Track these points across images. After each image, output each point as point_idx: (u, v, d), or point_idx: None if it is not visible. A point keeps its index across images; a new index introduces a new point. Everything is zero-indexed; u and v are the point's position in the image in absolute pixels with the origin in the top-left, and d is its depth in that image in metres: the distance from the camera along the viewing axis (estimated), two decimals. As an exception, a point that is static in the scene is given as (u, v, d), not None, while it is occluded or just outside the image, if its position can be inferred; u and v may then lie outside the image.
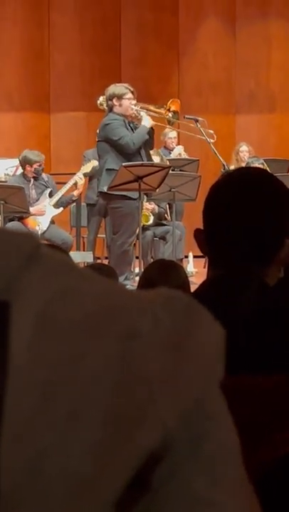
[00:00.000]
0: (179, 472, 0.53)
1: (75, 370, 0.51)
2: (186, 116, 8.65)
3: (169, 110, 8.45)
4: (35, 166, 8.84)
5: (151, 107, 8.28)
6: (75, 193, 8.91)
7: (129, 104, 7.81)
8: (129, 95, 7.83)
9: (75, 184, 8.90)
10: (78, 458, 0.50)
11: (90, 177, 9.25)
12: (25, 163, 8.89)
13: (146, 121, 7.94)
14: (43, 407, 0.50)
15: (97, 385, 0.51)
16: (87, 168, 9.07)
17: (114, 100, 7.80)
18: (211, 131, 8.51)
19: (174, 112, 8.48)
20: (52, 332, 0.52)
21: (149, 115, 8.04)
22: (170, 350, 0.54)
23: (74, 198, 8.97)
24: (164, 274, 3.24)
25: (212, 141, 8.36)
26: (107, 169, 7.70)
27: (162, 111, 8.41)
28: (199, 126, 8.46)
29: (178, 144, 10.10)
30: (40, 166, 8.87)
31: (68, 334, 0.52)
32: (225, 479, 0.54)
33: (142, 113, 7.98)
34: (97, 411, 0.51)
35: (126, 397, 0.52)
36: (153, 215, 9.07)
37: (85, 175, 9.15)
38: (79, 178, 8.87)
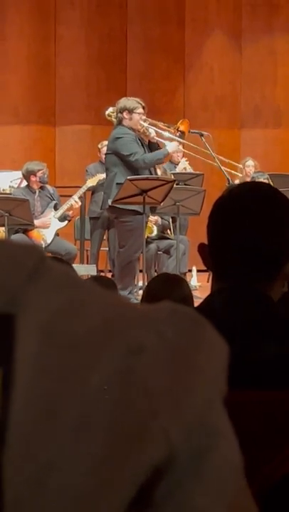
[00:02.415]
0: (181, 488, 0.53)
1: (79, 384, 0.51)
2: (191, 130, 8.66)
3: (178, 130, 8.46)
4: (39, 174, 8.85)
5: (160, 124, 8.29)
6: (70, 213, 8.94)
7: (139, 118, 7.81)
8: (140, 110, 7.84)
9: (72, 205, 8.93)
10: (81, 472, 0.50)
11: (93, 191, 9.26)
12: (28, 174, 8.91)
13: (171, 147, 7.95)
14: (46, 421, 0.50)
15: (101, 399, 0.51)
16: (93, 181, 9.08)
17: (124, 113, 7.80)
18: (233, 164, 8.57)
19: (182, 133, 8.49)
20: (56, 345, 0.52)
21: (157, 132, 8.04)
22: (173, 365, 0.53)
23: (68, 218, 9.01)
24: (168, 288, 3.23)
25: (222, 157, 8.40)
26: (118, 183, 7.69)
27: (171, 130, 8.41)
28: (204, 140, 8.47)
29: (184, 155, 10.11)
30: (43, 173, 8.88)
31: (72, 348, 0.52)
32: (226, 496, 0.54)
33: (169, 139, 8.00)
34: (101, 425, 0.51)
35: (129, 412, 0.51)
36: (156, 227, 9.07)
37: (89, 189, 9.18)
38: (74, 201, 8.90)
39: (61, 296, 0.54)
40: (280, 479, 1.20)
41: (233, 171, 9.20)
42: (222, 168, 8.41)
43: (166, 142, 7.98)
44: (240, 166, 9.94)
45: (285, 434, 1.32)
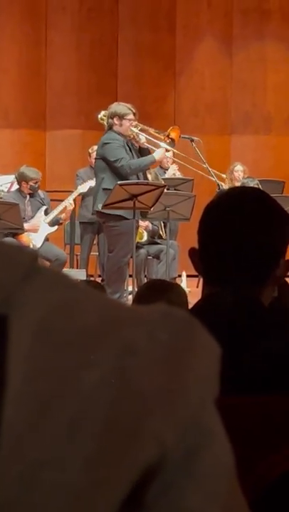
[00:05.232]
0: (173, 488, 0.53)
1: (73, 382, 0.51)
2: (181, 135, 8.67)
3: (168, 137, 8.46)
4: (30, 183, 8.85)
5: (151, 131, 8.29)
6: (62, 216, 8.95)
7: (129, 125, 7.82)
8: (131, 116, 7.84)
9: (65, 207, 8.95)
10: (75, 471, 0.50)
11: (84, 196, 9.27)
12: (21, 179, 8.91)
13: (158, 154, 7.95)
14: (39, 420, 0.50)
15: (94, 398, 0.51)
16: (84, 188, 9.09)
17: (115, 119, 7.80)
18: (224, 176, 8.59)
19: (172, 140, 8.49)
20: (50, 345, 0.52)
21: (147, 138, 8.05)
22: (167, 366, 0.54)
23: (60, 221, 9.02)
24: (158, 294, 3.22)
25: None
26: (104, 188, 7.70)
27: (161, 136, 8.41)
28: (195, 145, 8.48)
29: (173, 162, 10.13)
30: (36, 183, 8.89)
31: (66, 347, 0.52)
32: (219, 495, 0.54)
33: (161, 145, 8.01)
34: (94, 424, 0.51)
35: (123, 412, 0.52)
36: (147, 232, 9.08)
37: (81, 194, 9.20)
38: (69, 203, 8.93)
39: (56, 294, 0.54)
40: (278, 478, 1.20)
41: (221, 174, 9.22)
42: (212, 173, 8.42)
43: (156, 151, 8.00)
44: (224, 175, 9.95)
45: (281, 434, 1.32)
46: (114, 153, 7.69)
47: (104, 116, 8.16)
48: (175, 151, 8.77)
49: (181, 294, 3.44)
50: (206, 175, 8.47)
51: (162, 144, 8.28)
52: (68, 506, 0.50)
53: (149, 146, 8.10)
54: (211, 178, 8.44)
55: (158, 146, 8.24)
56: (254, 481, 1.05)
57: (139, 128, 8.02)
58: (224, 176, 9.73)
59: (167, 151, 8.51)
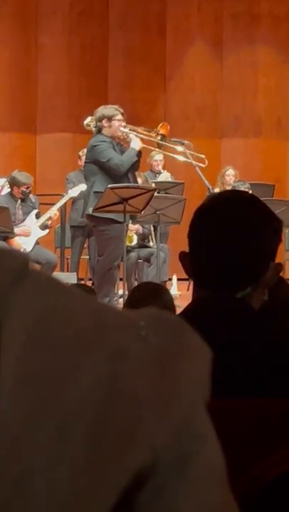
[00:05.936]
0: (166, 491, 0.53)
1: (67, 385, 0.51)
2: (172, 139, 8.67)
3: (158, 134, 8.46)
4: (22, 188, 8.84)
5: (140, 130, 8.29)
6: (49, 223, 8.96)
7: (118, 125, 7.81)
8: (119, 117, 7.83)
9: (50, 217, 8.97)
10: (67, 475, 0.50)
11: (75, 199, 9.27)
12: (13, 184, 8.91)
13: (136, 144, 7.93)
14: (31, 424, 0.51)
15: (86, 403, 0.51)
16: (75, 192, 9.09)
17: (104, 122, 7.79)
18: (202, 156, 8.56)
19: (163, 136, 8.50)
20: (42, 347, 0.52)
21: (138, 137, 8.05)
22: (158, 371, 0.54)
23: (49, 226, 9.02)
24: (149, 297, 3.24)
25: (202, 165, 8.40)
26: (95, 192, 7.70)
27: (152, 134, 8.41)
28: (185, 149, 8.49)
29: (164, 166, 10.13)
30: (27, 188, 8.88)
31: (58, 351, 0.52)
32: (210, 500, 0.54)
33: (132, 135, 7.97)
34: (86, 429, 0.51)
35: (114, 417, 0.52)
36: (137, 235, 9.08)
37: (72, 198, 9.21)
38: (54, 213, 8.95)
39: (48, 297, 0.54)
40: (275, 479, 1.20)
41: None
42: (203, 177, 8.43)
43: (132, 141, 7.93)
44: (218, 178, 9.96)
45: (277, 435, 1.33)
46: (105, 154, 7.70)
47: (91, 122, 8.15)
48: (169, 145, 8.75)
49: (169, 296, 3.46)
50: (193, 164, 8.45)
51: (157, 140, 8.30)
52: (64, 507, 0.50)
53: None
54: (204, 179, 8.44)
55: (150, 144, 8.26)
56: (251, 482, 1.05)
57: (129, 128, 8.01)
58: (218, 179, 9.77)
59: (159, 147, 8.50)
